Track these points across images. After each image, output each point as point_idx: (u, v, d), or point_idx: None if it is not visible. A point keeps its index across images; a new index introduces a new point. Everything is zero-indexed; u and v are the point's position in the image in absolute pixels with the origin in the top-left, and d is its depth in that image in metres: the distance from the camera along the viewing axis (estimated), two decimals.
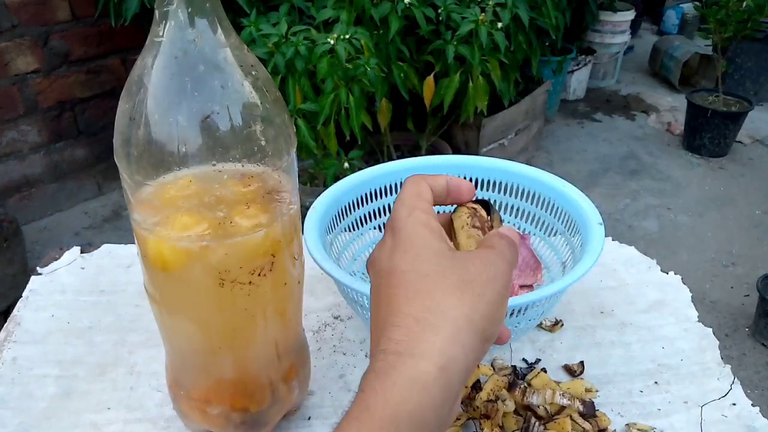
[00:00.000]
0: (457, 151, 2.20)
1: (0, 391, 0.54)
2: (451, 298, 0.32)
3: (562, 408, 0.49)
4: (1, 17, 1.78)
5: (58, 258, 0.70)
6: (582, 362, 0.56)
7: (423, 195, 0.36)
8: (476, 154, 2.12)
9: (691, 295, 0.65)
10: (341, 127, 1.52)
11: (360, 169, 0.68)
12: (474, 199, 0.41)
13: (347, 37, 1.43)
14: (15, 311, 0.63)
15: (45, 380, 0.55)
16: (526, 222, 0.69)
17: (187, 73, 0.36)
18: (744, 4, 2.21)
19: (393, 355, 0.30)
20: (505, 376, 0.52)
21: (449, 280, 0.32)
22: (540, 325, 0.61)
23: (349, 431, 0.29)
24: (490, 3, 1.67)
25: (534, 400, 0.49)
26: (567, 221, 0.63)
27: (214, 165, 0.37)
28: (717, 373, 0.56)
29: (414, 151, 2.15)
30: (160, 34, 0.36)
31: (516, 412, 0.50)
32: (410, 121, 2.03)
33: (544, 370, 0.55)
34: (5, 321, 0.61)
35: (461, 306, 0.32)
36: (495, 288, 0.33)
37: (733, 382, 0.54)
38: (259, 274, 0.41)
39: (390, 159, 1.30)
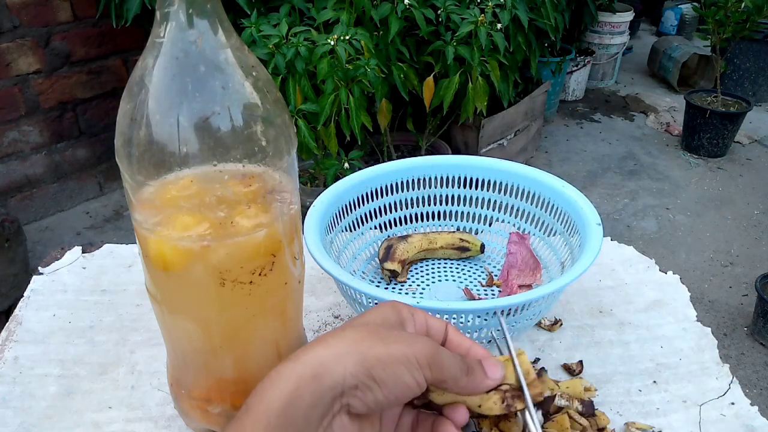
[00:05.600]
0: (456, 151, 2.20)
1: (1, 391, 0.54)
2: (358, 335, 0.35)
3: (561, 407, 0.49)
4: (3, 18, 1.79)
5: (60, 258, 0.70)
6: (581, 361, 0.57)
7: (418, 314, 0.40)
8: (476, 154, 2.13)
9: (689, 294, 0.65)
10: (341, 127, 1.52)
11: (360, 169, 0.69)
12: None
13: (347, 38, 1.43)
14: (16, 311, 0.63)
15: (46, 379, 0.55)
16: (525, 222, 0.69)
17: (188, 74, 0.36)
18: (742, 4, 2.21)
19: (284, 361, 0.34)
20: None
21: (370, 328, 0.36)
22: (539, 325, 0.62)
23: (235, 427, 0.32)
24: (490, 4, 1.67)
25: None
26: (566, 221, 0.63)
27: (215, 165, 0.38)
28: (716, 373, 0.56)
29: (414, 152, 2.15)
30: (162, 34, 0.36)
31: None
32: (410, 122, 2.03)
33: (543, 369, 0.55)
34: (7, 320, 0.62)
35: (363, 342, 0.35)
36: (402, 351, 0.35)
37: (731, 382, 0.55)
38: (259, 274, 0.41)
39: (390, 159, 1.31)
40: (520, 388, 0.41)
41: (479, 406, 0.40)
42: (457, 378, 0.37)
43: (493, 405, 0.39)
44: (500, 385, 0.40)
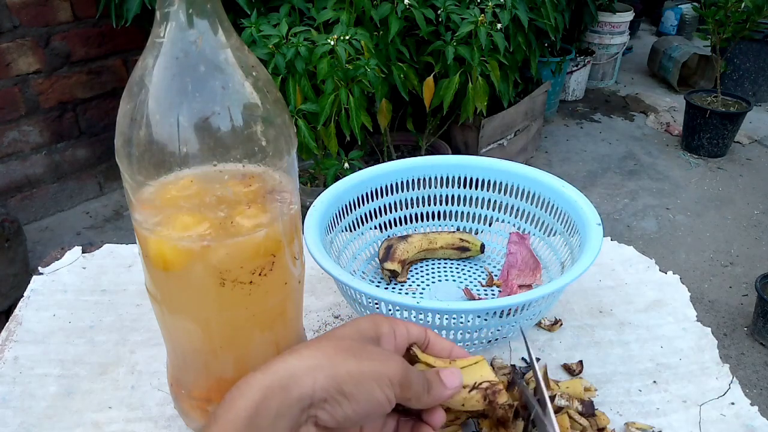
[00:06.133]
0: (456, 151, 2.20)
1: (1, 391, 0.54)
2: (332, 349, 0.36)
3: (561, 407, 0.49)
4: (3, 18, 1.79)
5: (60, 258, 0.70)
6: (581, 361, 0.57)
7: (398, 326, 0.41)
8: (476, 154, 2.13)
9: (689, 294, 0.65)
10: (341, 127, 1.52)
11: (360, 169, 0.69)
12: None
13: (347, 38, 1.43)
14: (16, 311, 0.63)
15: (46, 379, 0.55)
16: (525, 222, 0.69)
17: (188, 74, 0.36)
18: (742, 4, 2.21)
19: (254, 371, 0.34)
20: (505, 375, 0.53)
21: (345, 342, 0.37)
22: (539, 325, 0.62)
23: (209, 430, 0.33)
24: (490, 4, 1.67)
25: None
26: (566, 221, 0.63)
27: (215, 165, 0.38)
28: (716, 373, 0.56)
29: (414, 152, 2.15)
30: (162, 34, 0.36)
31: (515, 411, 0.50)
32: (410, 122, 2.03)
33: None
34: (7, 320, 0.62)
35: (336, 356, 0.35)
36: (375, 368, 0.36)
37: (731, 382, 0.55)
38: (259, 274, 0.41)
39: (390, 159, 1.30)
40: (510, 385, 0.45)
41: (462, 405, 0.41)
42: (420, 395, 0.38)
43: (476, 403, 0.41)
44: (480, 383, 0.41)
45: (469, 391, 0.41)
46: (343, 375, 0.34)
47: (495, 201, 0.70)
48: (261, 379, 0.34)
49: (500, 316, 0.53)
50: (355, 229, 0.68)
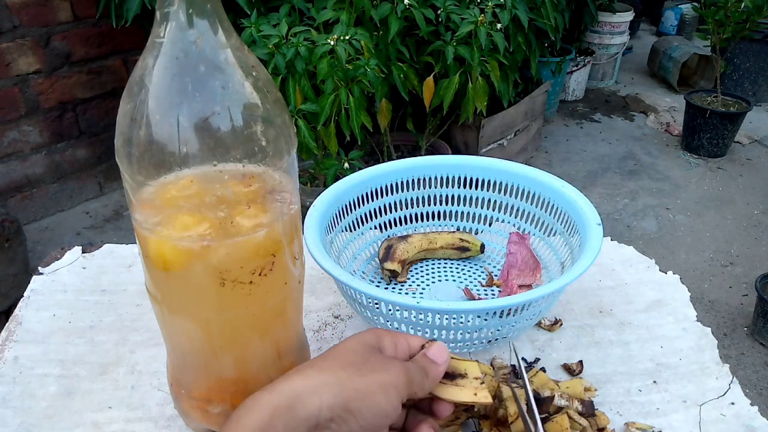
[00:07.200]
0: (456, 151, 2.20)
1: (1, 391, 0.54)
2: (337, 365, 0.36)
3: (561, 407, 0.49)
4: (3, 18, 1.79)
5: (60, 258, 0.70)
6: (581, 361, 0.57)
7: (399, 338, 0.41)
8: (476, 154, 2.13)
9: (689, 294, 0.65)
10: (341, 127, 1.52)
11: (360, 169, 0.69)
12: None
13: (347, 38, 1.43)
14: (16, 311, 0.63)
15: (46, 379, 0.55)
16: (525, 222, 0.69)
17: (188, 74, 0.36)
18: (742, 4, 2.21)
19: (260, 391, 0.35)
20: (505, 375, 0.53)
21: (349, 356, 0.37)
22: (539, 325, 0.62)
23: None
24: (490, 4, 1.67)
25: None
26: (566, 221, 0.63)
27: (215, 165, 0.38)
28: (716, 373, 0.56)
29: (414, 152, 2.15)
30: (162, 34, 0.36)
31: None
32: (410, 122, 2.03)
33: (543, 369, 0.55)
34: (7, 320, 0.62)
35: (341, 372, 0.36)
36: (380, 379, 0.36)
37: (731, 382, 0.55)
38: (259, 274, 0.41)
39: (390, 159, 1.31)
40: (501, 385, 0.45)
41: (475, 395, 0.42)
42: (423, 384, 0.39)
43: (489, 388, 0.43)
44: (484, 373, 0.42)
45: (481, 382, 0.42)
46: (350, 391, 0.35)
47: (495, 201, 0.70)
48: (268, 399, 0.34)
49: (500, 316, 0.53)
50: (355, 229, 0.68)
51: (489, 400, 0.42)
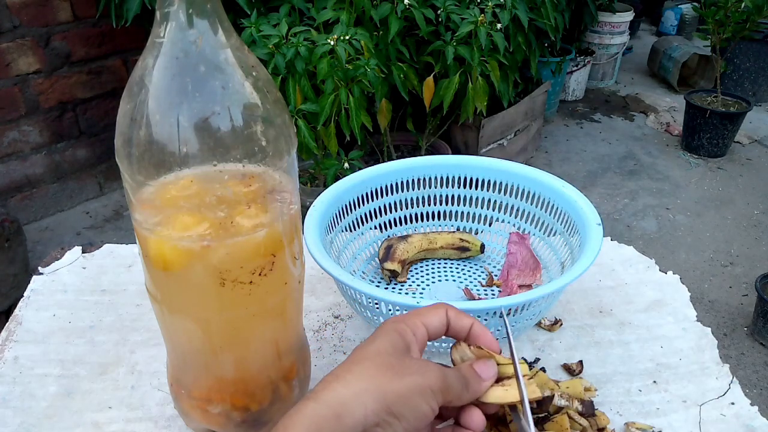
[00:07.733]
0: (456, 151, 2.20)
1: (1, 391, 0.54)
2: (374, 369, 0.36)
3: (561, 407, 0.49)
4: (3, 18, 1.79)
5: (60, 258, 0.70)
6: (581, 361, 0.57)
7: (417, 328, 0.40)
8: (476, 154, 2.13)
9: (689, 294, 0.66)
10: (341, 127, 1.52)
11: (360, 169, 0.69)
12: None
13: (347, 38, 1.43)
14: (16, 311, 0.63)
15: (46, 379, 0.55)
16: (525, 222, 0.69)
17: (188, 74, 0.36)
18: (742, 4, 2.21)
19: (304, 400, 0.34)
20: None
21: (383, 359, 0.37)
22: (539, 325, 0.62)
23: None
24: (490, 4, 1.67)
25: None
26: (566, 221, 0.63)
27: (215, 165, 0.38)
28: (715, 373, 0.56)
29: (414, 152, 2.15)
30: (162, 34, 0.36)
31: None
32: (410, 122, 2.03)
33: (543, 369, 0.55)
34: (7, 320, 0.62)
35: (380, 377, 0.35)
36: (417, 382, 0.36)
37: (731, 382, 0.55)
38: (259, 274, 0.41)
39: (390, 159, 1.30)
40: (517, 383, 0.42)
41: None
42: (460, 394, 0.38)
43: (536, 389, 0.41)
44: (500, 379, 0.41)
45: (529, 379, 0.41)
46: (391, 396, 0.35)
47: (495, 201, 0.70)
48: (314, 408, 0.34)
49: (500, 316, 0.53)
50: (355, 229, 0.68)
51: (537, 393, 0.40)
